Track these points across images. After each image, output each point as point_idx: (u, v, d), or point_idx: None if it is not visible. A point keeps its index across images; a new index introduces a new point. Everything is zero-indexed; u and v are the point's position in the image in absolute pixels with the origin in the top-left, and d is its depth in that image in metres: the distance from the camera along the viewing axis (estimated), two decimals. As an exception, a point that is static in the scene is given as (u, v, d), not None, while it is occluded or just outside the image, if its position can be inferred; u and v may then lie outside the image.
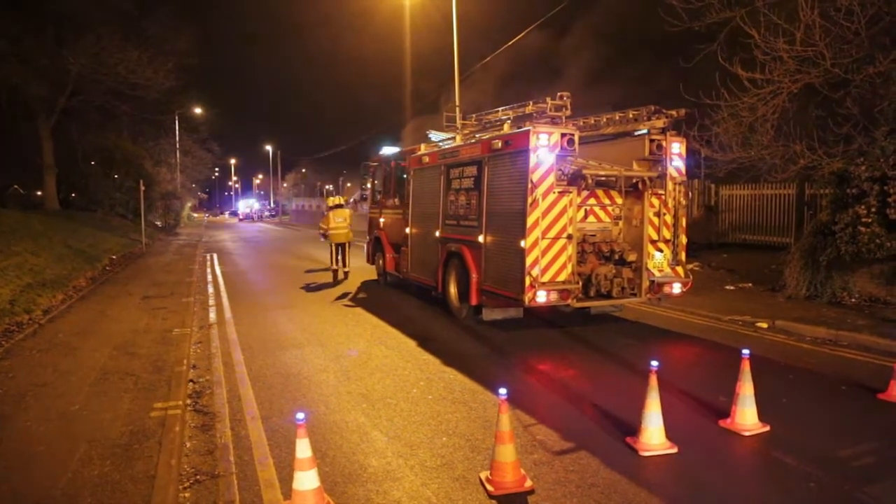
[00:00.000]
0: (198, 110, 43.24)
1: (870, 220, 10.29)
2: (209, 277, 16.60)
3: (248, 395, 6.59)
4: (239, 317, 10.96)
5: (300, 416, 3.95)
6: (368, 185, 16.20)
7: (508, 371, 7.56)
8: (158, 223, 38.77)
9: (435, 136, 12.60)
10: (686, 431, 5.28)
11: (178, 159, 43.66)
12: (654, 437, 4.93)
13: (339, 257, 15.91)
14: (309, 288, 14.65)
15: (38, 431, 5.42)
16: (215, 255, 23.16)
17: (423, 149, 12.27)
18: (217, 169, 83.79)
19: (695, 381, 6.83)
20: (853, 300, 10.72)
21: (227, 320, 10.68)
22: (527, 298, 8.27)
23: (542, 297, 8.27)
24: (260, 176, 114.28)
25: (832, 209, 11.28)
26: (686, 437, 5.11)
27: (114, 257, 19.92)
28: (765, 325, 9.70)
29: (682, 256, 9.30)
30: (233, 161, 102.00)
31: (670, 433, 4.99)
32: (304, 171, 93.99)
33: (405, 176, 12.89)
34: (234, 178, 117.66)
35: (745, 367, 5.37)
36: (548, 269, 8.35)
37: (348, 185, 70.08)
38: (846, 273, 10.95)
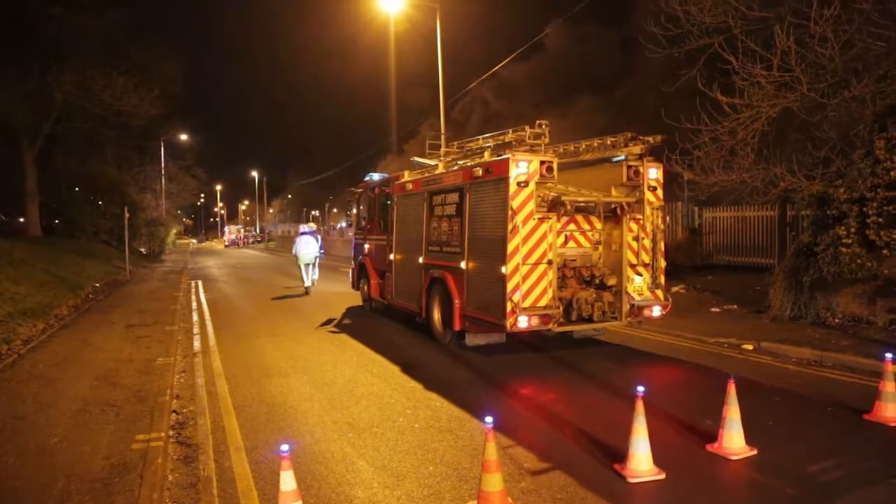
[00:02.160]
0: (183, 137, 43.24)
1: (850, 241, 10.42)
2: (194, 305, 16.46)
3: (233, 426, 6.50)
4: (224, 345, 10.85)
5: (284, 447, 3.90)
6: (353, 212, 16.41)
7: (495, 398, 7.51)
8: (143, 250, 38.48)
9: (419, 162, 12.72)
10: (673, 456, 5.26)
11: (164, 186, 43.48)
12: (641, 463, 4.91)
13: (306, 274, 18.52)
14: (294, 314, 14.55)
15: (15, 466, 5.29)
16: (200, 282, 22.98)
17: (406, 176, 12.36)
18: (203, 195, 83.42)
19: (681, 405, 6.82)
20: (837, 320, 10.81)
21: (211, 349, 10.57)
22: (508, 324, 8.32)
23: (523, 322, 8.32)
24: (246, 202, 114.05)
25: (813, 230, 11.42)
26: (674, 463, 5.09)
27: (97, 285, 19.68)
28: (750, 347, 9.75)
29: (662, 280, 9.43)
30: (219, 187, 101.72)
31: (658, 458, 4.97)
32: (289, 196, 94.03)
33: (389, 202, 12.96)
34: (220, 204, 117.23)
35: (731, 390, 5.38)
36: (529, 295, 8.44)
37: (334, 210, 70.23)
38: (829, 293, 11.05)
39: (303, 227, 19.88)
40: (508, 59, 24.80)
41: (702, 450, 5.50)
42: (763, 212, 16.61)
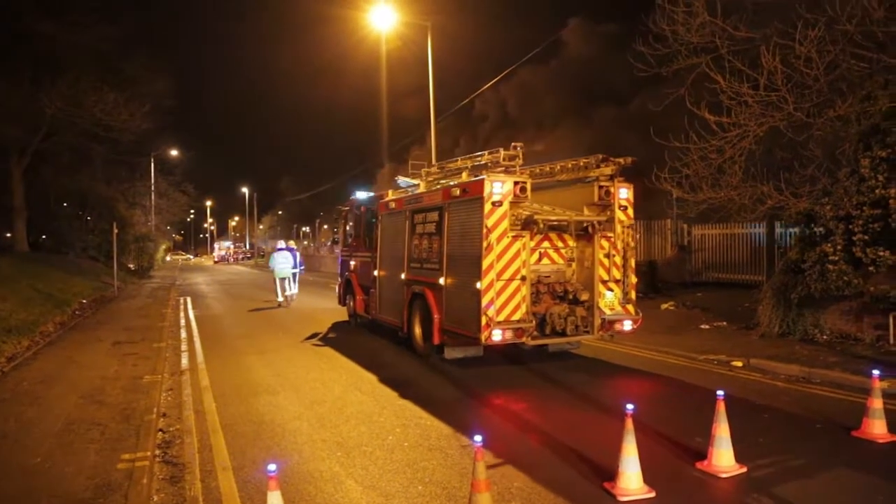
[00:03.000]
0: (174, 152, 43.13)
1: (837, 258, 10.50)
2: (182, 322, 16.33)
3: (220, 445, 6.42)
4: (212, 362, 10.76)
5: (272, 467, 3.86)
6: (341, 229, 16.76)
7: (484, 416, 7.49)
8: (132, 266, 38.18)
9: (403, 181, 13.03)
10: (663, 474, 5.24)
11: (153, 201, 43.27)
12: (631, 481, 4.88)
13: (281, 288, 19.69)
14: (283, 331, 14.46)
15: (-2, 487, 5.21)
16: (189, 299, 22.83)
17: (390, 194, 12.74)
18: (192, 211, 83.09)
19: (672, 423, 6.82)
20: (825, 337, 10.86)
21: (199, 366, 10.48)
22: (483, 337, 8.62)
23: (497, 335, 8.61)
24: (236, 218, 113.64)
25: (801, 247, 11.51)
26: (664, 481, 5.07)
27: (84, 301, 19.50)
28: (739, 364, 9.77)
29: (633, 295, 9.75)
30: (209, 203, 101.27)
31: (648, 476, 4.95)
32: (280, 213, 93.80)
33: (374, 220, 13.24)
34: (210, 220, 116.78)
35: (721, 408, 5.38)
36: (503, 309, 8.74)
37: (325, 226, 70.10)
38: (817, 310, 11.12)
39: (280, 244, 21.31)
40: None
41: (692, 467, 5.48)
42: (751, 229, 16.75)
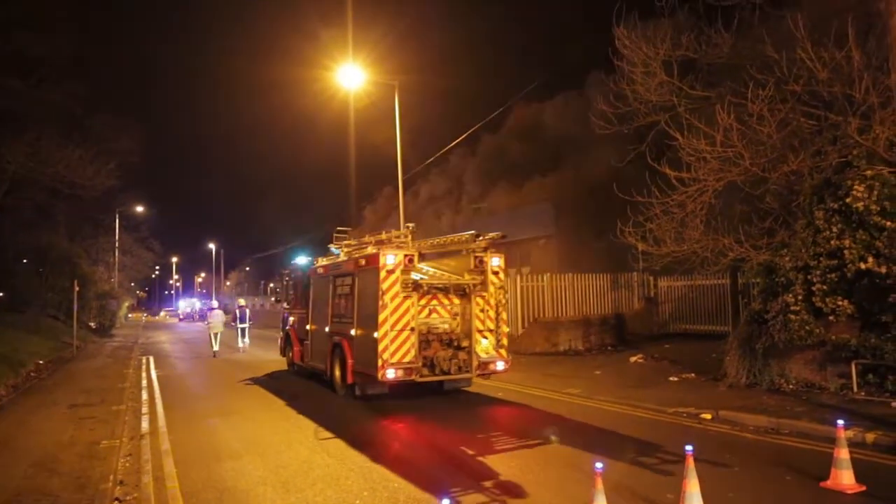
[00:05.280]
0: (139, 208, 42.69)
1: (798, 308, 10.71)
2: (144, 382, 15.81)
3: (179, 514, 6.15)
4: (173, 425, 10.39)
5: (231, 539, 3.70)
6: (283, 290, 19.26)
7: (452, 474, 7.32)
8: (93, 324, 37.09)
9: (334, 250, 15.19)
10: (636, 534, 5.15)
11: (117, 258, 42.48)
12: (604, 542, 4.78)
13: (215, 340, 23.06)
14: (247, 391, 14.14)
15: (-65, 568, 4.88)
16: (151, 358, 22.20)
17: (320, 261, 15.38)
18: (158, 267, 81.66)
19: (642, 479, 6.76)
20: (791, 386, 10.97)
21: (160, 430, 10.10)
22: (380, 375, 10.66)
23: (391, 373, 10.68)
24: (202, 274, 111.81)
25: (763, 298, 11.72)
26: (637, 541, 4.98)
27: (41, 362, 18.82)
28: (709, 416, 9.78)
29: (504, 342, 11.76)
30: (174, 259, 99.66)
31: (620, 537, 4.86)
32: (247, 269, 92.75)
33: (308, 283, 15.65)
34: (176, 277, 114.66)
35: (690, 463, 5.34)
36: (395, 353, 10.82)
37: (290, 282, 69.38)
38: (782, 360, 11.25)
39: (213, 304, 25.63)
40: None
41: (664, 526, 5.41)
42: (715, 280, 17.06)
